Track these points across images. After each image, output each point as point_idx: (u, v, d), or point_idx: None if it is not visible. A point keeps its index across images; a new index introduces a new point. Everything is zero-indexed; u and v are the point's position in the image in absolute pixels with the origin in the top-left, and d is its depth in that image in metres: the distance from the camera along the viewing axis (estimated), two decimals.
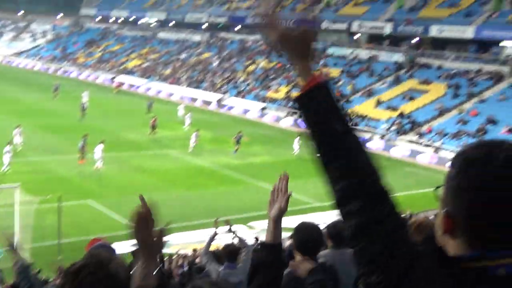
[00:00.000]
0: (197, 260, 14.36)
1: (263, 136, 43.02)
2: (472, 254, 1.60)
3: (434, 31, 53.03)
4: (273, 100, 53.51)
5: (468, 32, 50.69)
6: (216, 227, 10.27)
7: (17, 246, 6.22)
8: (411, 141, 41.15)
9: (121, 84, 66.16)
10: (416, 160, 38.48)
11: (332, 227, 5.08)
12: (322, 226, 4.70)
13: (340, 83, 53.48)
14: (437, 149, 38.72)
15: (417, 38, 56.00)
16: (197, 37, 78.11)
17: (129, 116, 47.35)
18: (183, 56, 73.85)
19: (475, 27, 50.37)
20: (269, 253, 3.12)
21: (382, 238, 1.62)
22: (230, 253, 8.58)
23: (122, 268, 2.23)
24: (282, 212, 3.10)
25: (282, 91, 55.01)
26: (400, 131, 42.55)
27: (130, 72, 72.48)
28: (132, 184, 27.68)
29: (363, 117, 45.84)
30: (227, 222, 10.13)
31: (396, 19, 57.52)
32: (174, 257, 16.30)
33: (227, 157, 35.60)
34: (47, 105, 49.95)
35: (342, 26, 62.33)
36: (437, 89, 47.70)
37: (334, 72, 56.34)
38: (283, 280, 3.28)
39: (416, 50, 55.25)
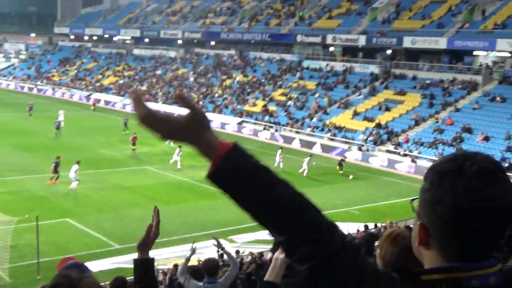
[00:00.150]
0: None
1: None
2: (447, 265, 1.61)
3: (408, 42, 53.68)
4: (250, 114, 53.58)
5: (441, 42, 51.42)
6: (193, 242, 10.28)
7: None
8: (388, 151, 41.48)
9: (97, 101, 65.83)
10: (394, 170, 38.77)
11: None
12: None
13: (317, 95, 53.78)
14: (414, 159, 39.05)
15: (391, 50, 56.64)
16: (172, 53, 78.16)
17: (106, 133, 47.03)
18: (158, 72, 73.75)
19: (448, 38, 51.12)
20: None
21: (342, 270, 1.56)
22: (210, 268, 8.47)
23: (93, 286, 2.16)
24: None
25: (259, 104, 55.14)
26: (378, 142, 42.86)
27: (106, 89, 72.17)
28: (111, 201, 27.44)
29: (340, 129, 46.13)
30: (216, 240, 10.26)
31: (369, 31, 58.16)
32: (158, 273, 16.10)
33: (206, 171, 35.40)
34: (22, 124, 49.42)
35: (317, 39, 62.83)
36: (413, 99, 48.21)
37: (310, 84, 56.68)
38: None
39: (390, 61, 55.86)
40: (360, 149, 42.41)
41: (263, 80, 61.53)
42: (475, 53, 51.34)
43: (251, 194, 1.62)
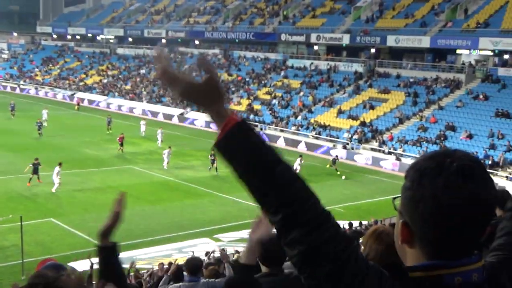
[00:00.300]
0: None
1: None
2: (429, 263, 1.62)
3: (391, 41, 53.93)
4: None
5: (424, 41, 51.74)
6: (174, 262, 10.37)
7: None
8: (373, 149, 41.67)
9: (81, 100, 65.44)
10: (379, 168, 38.95)
11: None
12: None
13: (301, 94, 53.89)
14: (399, 156, 39.27)
15: (375, 49, 56.90)
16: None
17: (90, 132, 46.74)
18: (142, 71, 73.45)
19: (431, 37, 51.45)
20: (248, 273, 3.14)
21: (331, 259, 1.57)
22: (192, 267, 8.44)
23: (71, 283, 2.15)
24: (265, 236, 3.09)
25: (244, 103, 55.15)
26: (362, 140, 43.05)
27: (89, 88, 71.76)
28: (95, 201, 27.26)
29: (325, 127, 46.26)
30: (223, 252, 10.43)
31: (353, 30, 58.36)
32: (143, 271, 16.05)
33: (191, 171, 35.39)
34: (4, 124, 48.95)
35: (301, 38, 62.94)
36: (397, 98, 48.47)
37: (295, 83, 56.77)
38: None
39: (374, 60, 56.11)
40: (345, 147, 42.56)
41: (247, 79, 61.55)
42: (458, 51, 51.79)
43: (253, 168, 1.66)
